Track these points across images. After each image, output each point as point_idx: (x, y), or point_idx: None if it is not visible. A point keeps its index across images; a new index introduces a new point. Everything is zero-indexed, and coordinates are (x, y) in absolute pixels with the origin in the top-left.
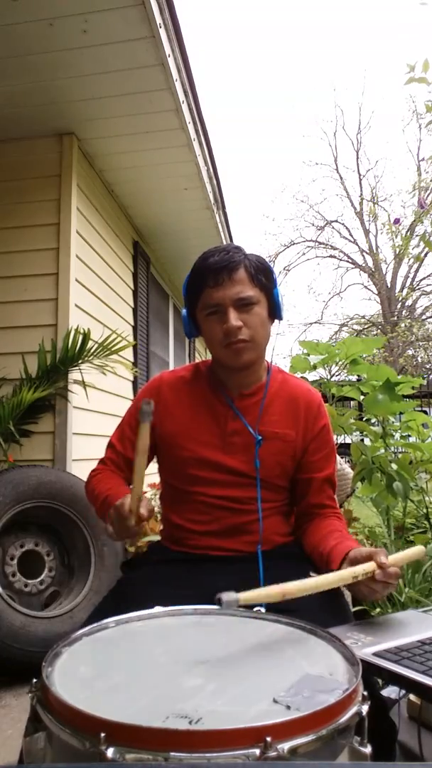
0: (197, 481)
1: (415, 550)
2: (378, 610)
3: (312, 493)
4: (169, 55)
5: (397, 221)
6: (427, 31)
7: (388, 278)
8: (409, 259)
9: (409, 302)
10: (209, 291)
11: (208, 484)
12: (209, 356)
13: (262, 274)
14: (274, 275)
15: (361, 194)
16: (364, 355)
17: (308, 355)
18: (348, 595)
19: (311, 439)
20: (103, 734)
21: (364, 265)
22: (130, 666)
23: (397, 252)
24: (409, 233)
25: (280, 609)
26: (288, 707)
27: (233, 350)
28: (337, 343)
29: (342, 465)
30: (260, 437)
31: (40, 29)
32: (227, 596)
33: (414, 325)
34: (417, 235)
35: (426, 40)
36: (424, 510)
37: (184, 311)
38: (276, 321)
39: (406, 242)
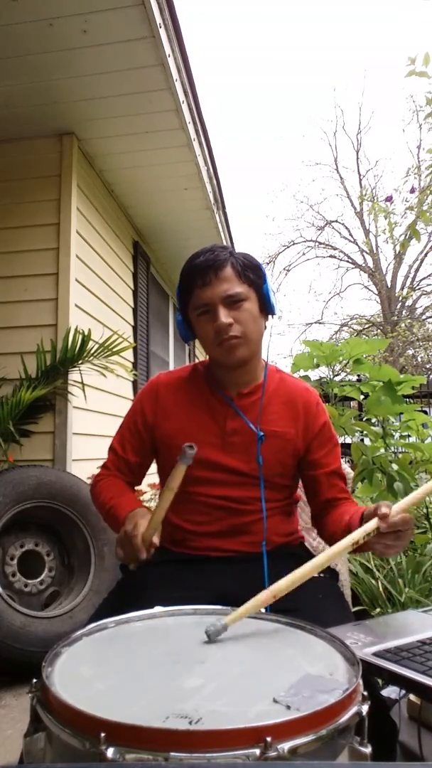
0: (197, 481)
1: (425, 488)
2: (378, 610)
3: (323, 490)
4: (169, 55)
5: (389, 199)
6: (428, 27)
7: (388, 278)
8: (395, 244)
9: (409, 302)
10: (198, 291)
11: (207, 484)
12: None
13: (250, 271)
14: (263, 271)
15: (361, 194)
16: (366, 355)
17: (313, 353)
18: (348, 595)
19: (313, 437)
20: (103, 734)
21: (364, 265)
22: (130, 666)
23: (390, 232)
24: (408, 235)
25: (280, 609)
26: (288, 707)
27: (226, 347)
28: (341, 343)
29: (342, 465)
30: (262, 434)
31: (40, 29)
32: (213, 628)
33: (414, 325)
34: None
35: (427, 37)
36: (424, 510)
37: (179, 316)
38: (270, 317)
39: (405, 243)
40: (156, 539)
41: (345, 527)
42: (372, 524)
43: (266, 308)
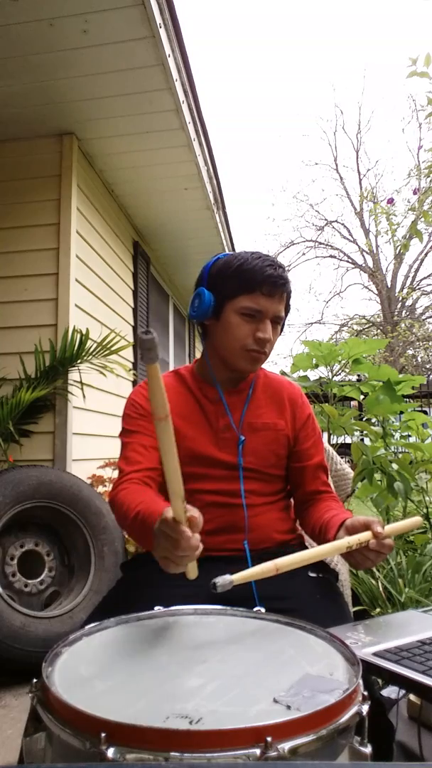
0: (192, 478)
1: (412, 521)
2: (378, 610)
3: (307, 481)
4: (169, 55)
5: (390, 201)
6: (428, 28)
7: (388, 278)
8: (397, 246)
9: (409, 302)
10: (260, 296)
11: (204, 480)
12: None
13: (290, 301)
14: None
15: (361, 194)
16: (366, 355)
17: (311, 354)
18: (348, 596)
19: (300, 428)
20: (103, 734)
21: (364, 265)
22: (130, 666)
23: (393, 233)
24: (409, 235)
25: (280, 609)
26: (288, 707)
27: (253, 357)
28: (340, 343)
29: (342, 465)
30: (243, 437)
31: (40, 29)
32: (221, 579)
33: (414, 325)
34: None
35: (427, 37)
36: (424, 510)
37: (206, 292)
38: None
39: (407, 244)
40: (195, 513)
41: (323, 525)
42: (364, 536)
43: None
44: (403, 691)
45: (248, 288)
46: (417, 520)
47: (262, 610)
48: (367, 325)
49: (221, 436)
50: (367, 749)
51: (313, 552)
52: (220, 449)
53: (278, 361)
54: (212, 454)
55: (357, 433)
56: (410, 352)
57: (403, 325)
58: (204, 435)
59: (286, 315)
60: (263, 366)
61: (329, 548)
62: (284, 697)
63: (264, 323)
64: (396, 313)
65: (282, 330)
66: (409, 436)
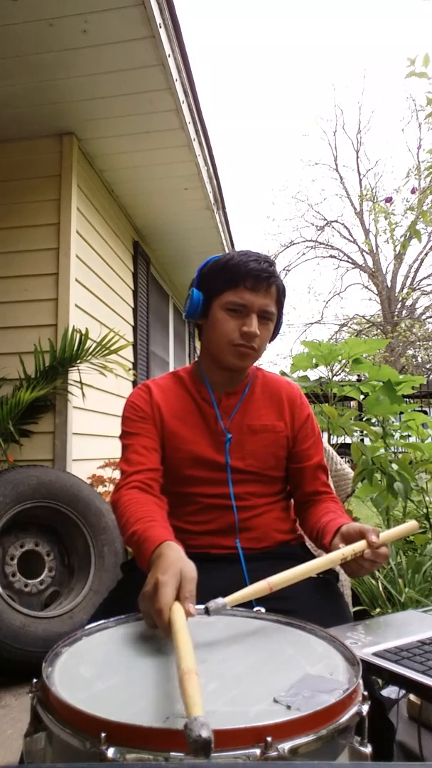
0: (193, 481)
1: (408, 526)
2: (378, 610)
3: (306, 482)
4: (169, 55)
5: (389, 200)
6: (428, 27)
7: (388, 278)
8: (396, 245)
9: (409, 302)
10: (243, 291)
11: (205, 483)
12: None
13: (283, 299)
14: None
15: (361, 194)
16: (366, 355)
17: (311, 354)
18: (348, 596)
19: (299, 428)
20: (103, 734)
21: (364, 265)
22: (130, 666)
23: (392, 233)
24: (408, 235)
25: (280, 609)
26: (288, 707)
27: (240, 352)
28: (340, 343)
29: (342, 465)
30: (230, 435)
31: (40, 29)
32: (214, 604)
33: (414, 325)
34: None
35: (427, 37)
36: (424, 510)
37: (196, 291)
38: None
39: (406, 243)
40: (191, 609)
41: (320, 530)
42: (359, 546)
43: (273, 336)
44: (403, 691)
45: (232, 283)
46: (412, 525)
47: (262, 610)
48: (367, 325)
49: (220, 439)
50: (367, 749)
51: (306, 567)
52: (218, 452)
53: (278, 361)
54: (211, 456)
55: (357, 433)
56: (410, 352)
57: (403, 325)
58: (203, 438)
59: (279, 312)
60: (262, 367)
61: (323, 561)
62: (284, 697)
63: (250, 317)
64: (396, 313)
65: (278, 328)
66: (409, 436)
